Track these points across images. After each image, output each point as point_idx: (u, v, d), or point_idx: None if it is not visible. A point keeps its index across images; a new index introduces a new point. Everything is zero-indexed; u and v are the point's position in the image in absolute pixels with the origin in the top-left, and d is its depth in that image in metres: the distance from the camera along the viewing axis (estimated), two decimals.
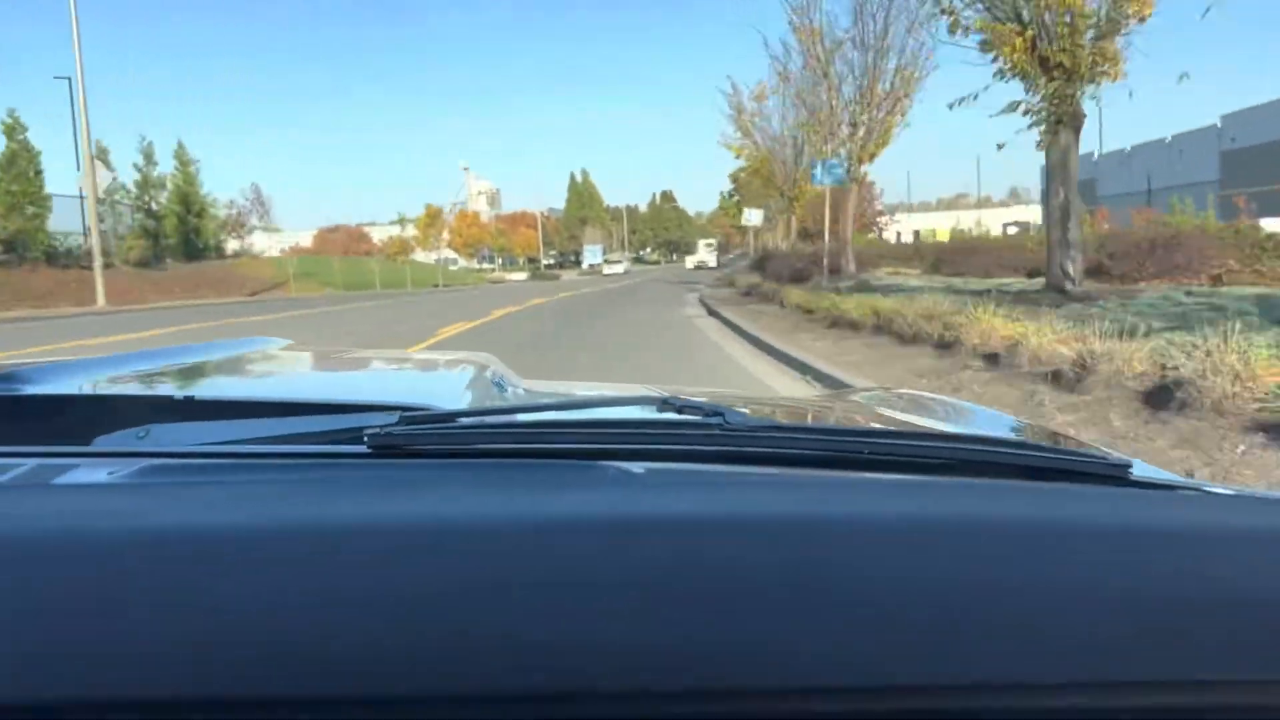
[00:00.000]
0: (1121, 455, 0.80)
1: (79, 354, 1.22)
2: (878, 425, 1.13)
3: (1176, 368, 4.59)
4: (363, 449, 0.71)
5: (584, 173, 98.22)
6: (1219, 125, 41.22)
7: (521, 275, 66.40)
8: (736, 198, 70.33)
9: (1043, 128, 11.02)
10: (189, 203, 39.45)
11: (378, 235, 76.43)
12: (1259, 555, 0.54)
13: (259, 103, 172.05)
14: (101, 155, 32.28)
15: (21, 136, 29.90)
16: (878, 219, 73.21)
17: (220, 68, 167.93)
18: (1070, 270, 11.19)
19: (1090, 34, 10.53)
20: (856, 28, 18.69)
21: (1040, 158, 11.90)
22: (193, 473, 0.71)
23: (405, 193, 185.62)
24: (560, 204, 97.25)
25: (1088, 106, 11.08)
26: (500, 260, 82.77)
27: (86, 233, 28.77)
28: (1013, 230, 44.49)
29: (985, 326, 6.94)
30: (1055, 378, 5.38)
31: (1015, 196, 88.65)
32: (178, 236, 38.85)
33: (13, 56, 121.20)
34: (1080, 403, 4.84)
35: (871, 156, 19.18)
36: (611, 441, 0.72)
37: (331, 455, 0.75)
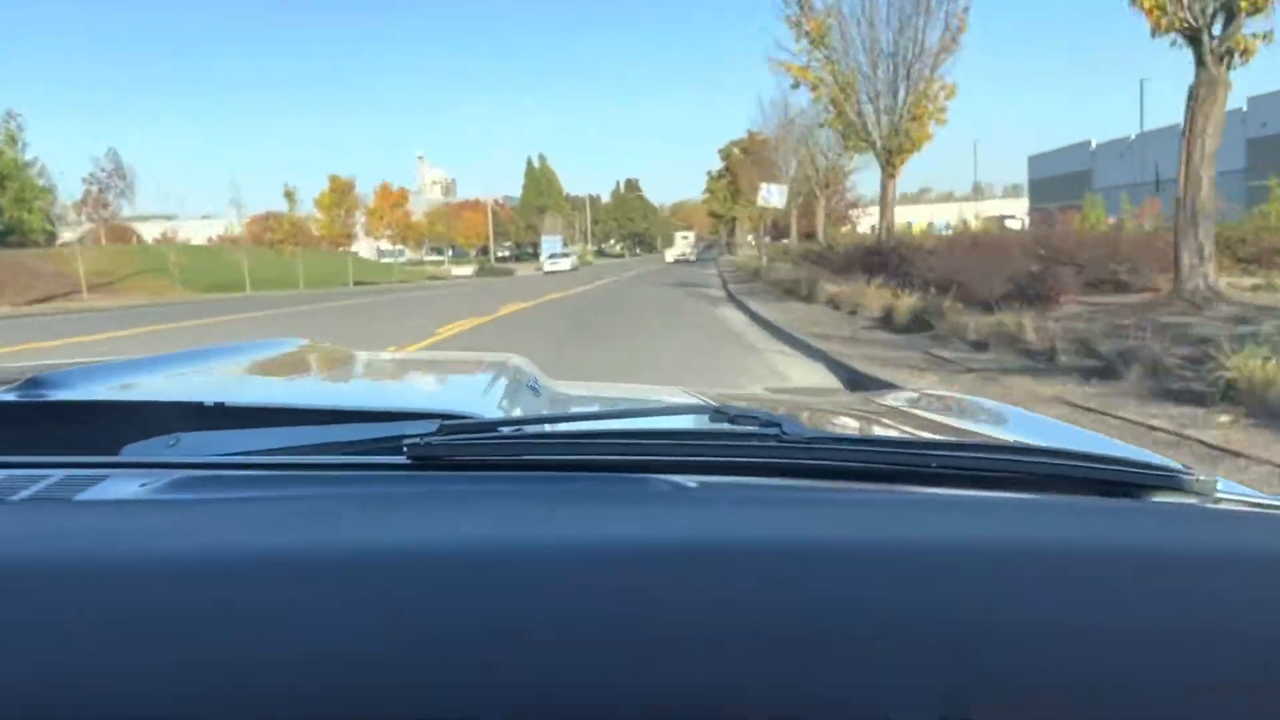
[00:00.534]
0: (1203, 470, 0.74)
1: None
2: (937, 435, 1.08)
3: None
4: (401, 459, 0.70)
5: (542, 158, 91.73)
6: (1245, 110, 36.18)
7: (467, 270, 55.68)
8: (727, 178, 63.34)
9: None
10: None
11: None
12: None
13: (198, 94, 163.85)
14: None
15: None
16: (850, 211, 72.02)
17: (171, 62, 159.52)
18: (1208, 278, 9.10)
19: None
20: None
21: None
22: (223, 486, 0.69)
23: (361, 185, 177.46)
24: (519, 192, 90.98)
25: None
26: (451, 252, 76.79)
27: None
28: (1014, 224, 39.74)
29: None
30: None
31: (979, 192, 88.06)
32: None
33: None
34: None
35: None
36: (663, 454, 0.69)
37: (368, 466, 0.73)
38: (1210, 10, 8.59)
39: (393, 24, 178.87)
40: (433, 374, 1.60)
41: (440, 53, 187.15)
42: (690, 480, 0.66)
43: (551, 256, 56.78)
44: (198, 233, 64.94)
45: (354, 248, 75.51)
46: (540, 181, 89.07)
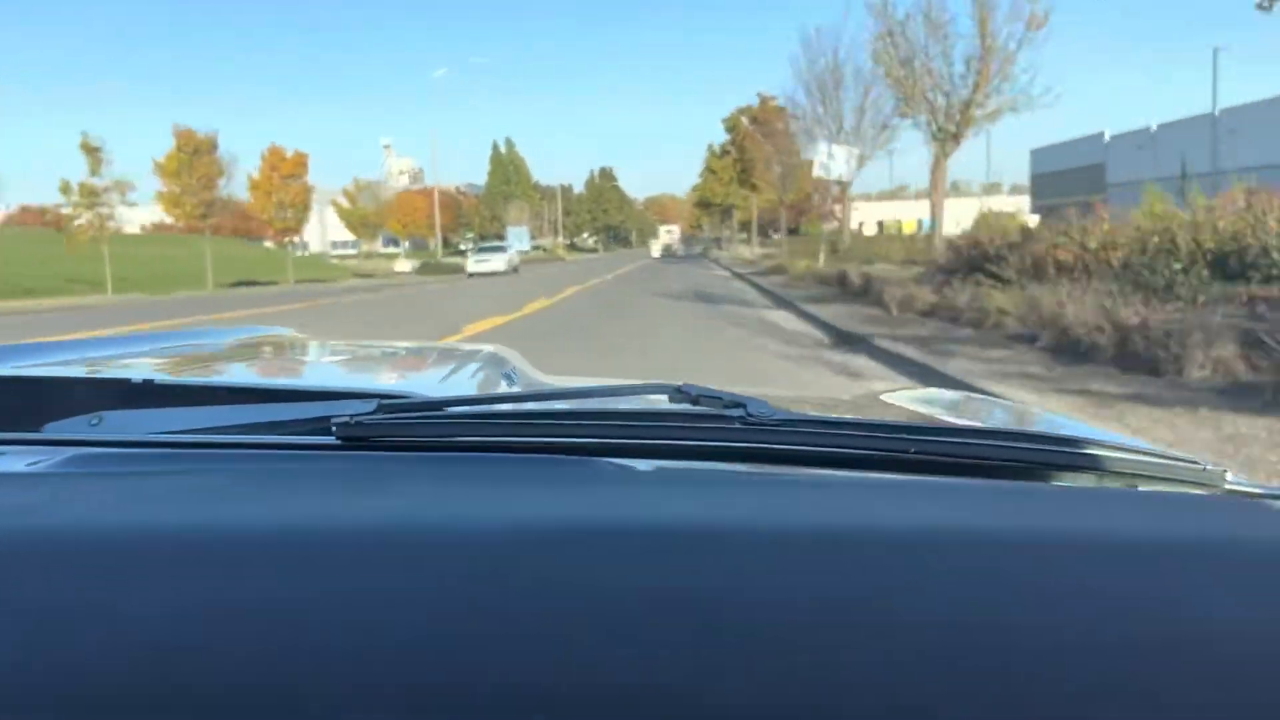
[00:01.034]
0: (1211, 460, 0.71)
1: None
2: (921, 422, 1.00)
3: None
4: (330, 439, 0.66)
5: (509, 143, 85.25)
6: None
7: (407, 266, 46.63)
8: (731, 154, 52.20)
9: None
10: None
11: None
12: None
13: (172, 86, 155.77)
14: None
15: None
16: (835, 205, 68.57)
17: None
18: None
19: None
20: None
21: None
22: (138, 463, 0.65)
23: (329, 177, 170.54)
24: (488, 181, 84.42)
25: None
26: (409, 244, 70.53)
27: None
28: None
29: None
30: None
31: (956, 189, 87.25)
32: None
33: None
34: None
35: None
36: (614, 435, 0.65)
37: (295, 446, 0.69)
38: None
39: (365, 13, 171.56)
40: (394, 358, 1.44)
41: (412, 39, 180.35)
42: (642, 463, 0.62)
43: (480, 251, 39.16)
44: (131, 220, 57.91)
45: (303, 238, 69.06)
46: (507, 168, 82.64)
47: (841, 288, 14.09)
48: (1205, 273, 8.28)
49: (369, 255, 57.53)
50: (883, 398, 1.32)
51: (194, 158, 32.32)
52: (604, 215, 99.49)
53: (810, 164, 29.41)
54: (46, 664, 0.36)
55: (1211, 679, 0.38)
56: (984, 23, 15.53)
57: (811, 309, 11.80)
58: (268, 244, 60.80)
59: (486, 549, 0.44)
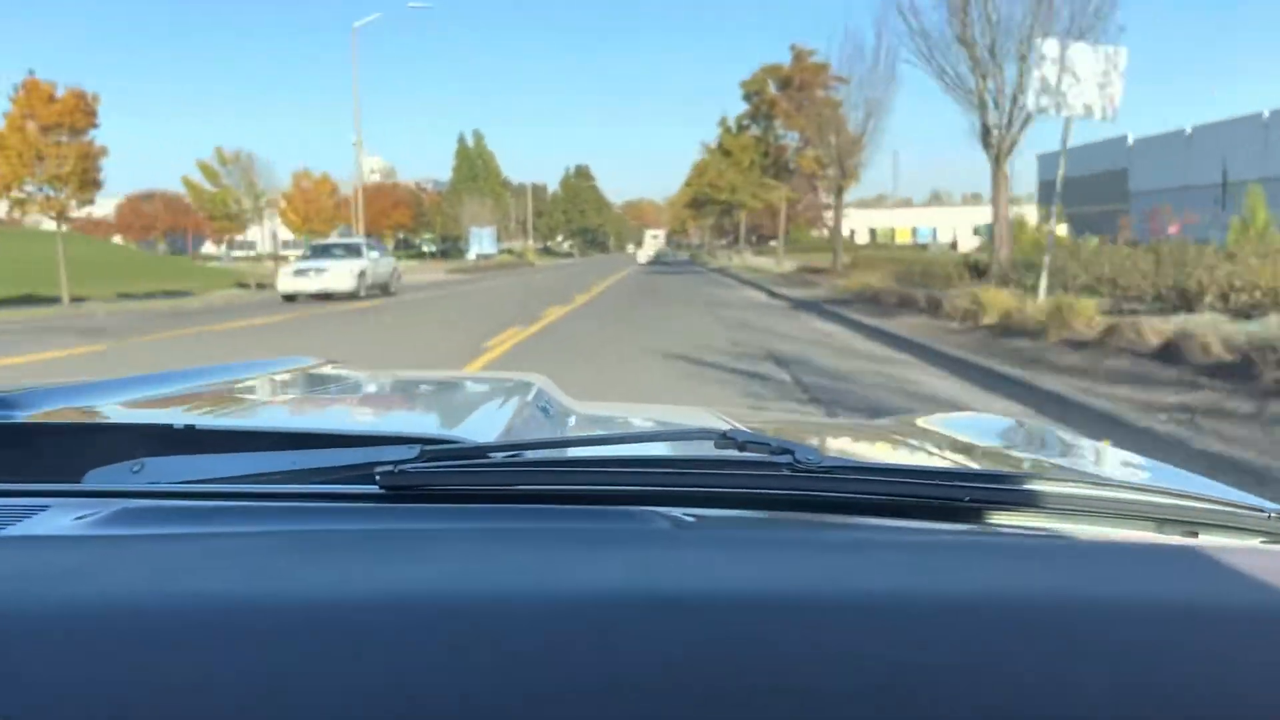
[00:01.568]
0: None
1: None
2: (970, 460, 1.01)
3: None
4: (374, 489, 0.66)
5: (478, 135, 79.31)
6: None
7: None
8: (757, 129, 38.83)
9: None
10: None
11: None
12: None
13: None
14: None
15: None
16: (824, 213, 64.76)
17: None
18: None
19: None
20: None
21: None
22: (182, 519, 0.64)
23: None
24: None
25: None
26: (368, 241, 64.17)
27: None
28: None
29: None
30: None
31: (936, 199, 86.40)
32: None
33: None
34: None
35: None
36: (661, 484, 0.66)
37: (338, 497, 0.69)
38: None
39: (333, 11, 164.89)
40: (433, 394, 1.48)
41: (388, 37, 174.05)
42: (690, 513, 0.61)
43: (308, 259, 21.02)
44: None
45: (249, 235, 62.35)
46: (475, 163, 76.43)
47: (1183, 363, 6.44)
48: None
49: (274, 256, 45.18)
50: (919, 423, 1.30)
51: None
52: (580, 217, 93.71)
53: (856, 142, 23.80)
54: None
55: None
56: None
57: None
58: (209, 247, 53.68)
59: (535, 617, 0.43)
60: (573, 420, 1.13)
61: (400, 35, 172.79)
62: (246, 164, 34.72)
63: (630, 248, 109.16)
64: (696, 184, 49.83)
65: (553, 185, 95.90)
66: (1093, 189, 44.92)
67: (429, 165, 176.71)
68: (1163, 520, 0.63)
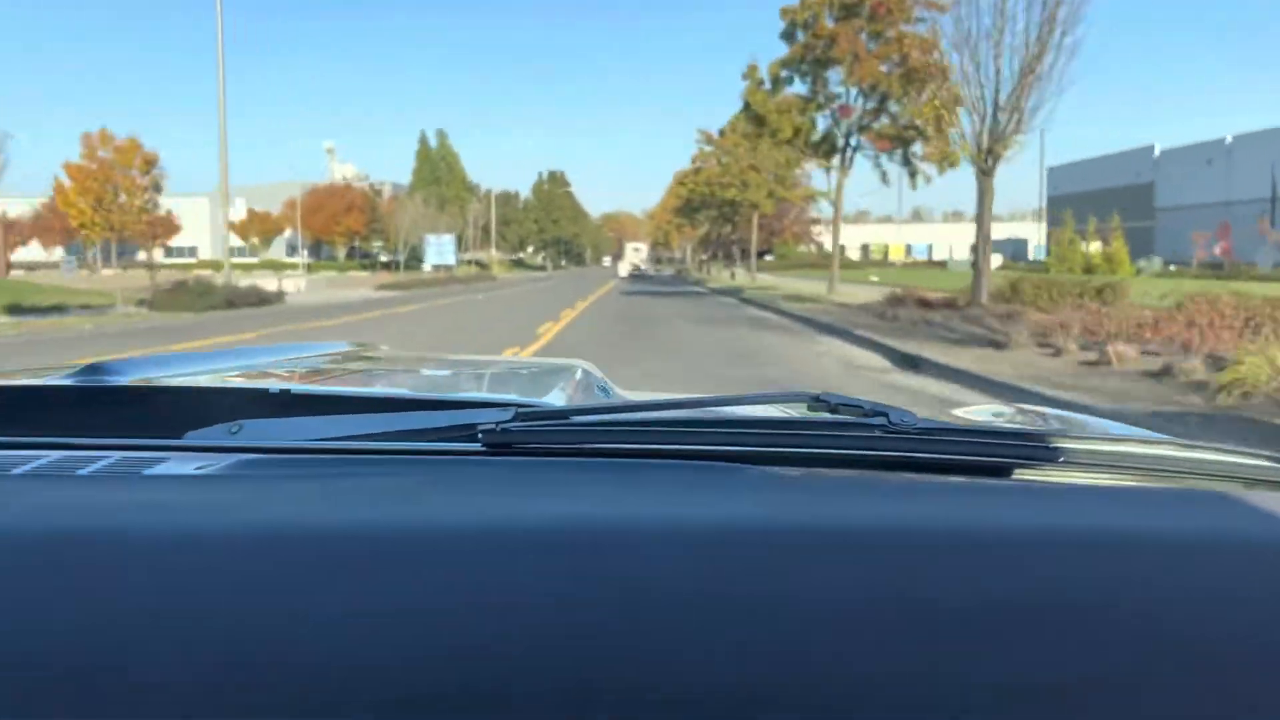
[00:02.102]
0: None
1: None
2: (1063, 429, 0.99)
3: None
4: (476, 446, 0.68)
5: (441, 135, 73.47)
6: None
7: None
8: (805, 65, 23.59)
9: None
10: None
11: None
12: None
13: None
14: None
15: None
16: (812, 227, 59.97)
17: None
18: None
19: None
20: None
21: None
22: (288, 468, 0.67)
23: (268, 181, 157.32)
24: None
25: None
26: (305, 253, 58.29)
27: None
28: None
29: None
30: None
31: (917, 216, 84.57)
32: None
33: None
34: None
35: None
36: (754, 443, 0.66)
37: (442, 452, 0.70)
38: None
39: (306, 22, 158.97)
40: (504, 371, 1.55)
41: (361, 43, 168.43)
42: (787, 471, 0.63)
43: None
44: None
45: (189, 241, 56.46)
46: (438, 165, 70.42)
47: None
48: None
49: (149, 265, 34.70)
50: (956, 413, 1.31)
51: None
52: (554, 226, 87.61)
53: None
54: (252, 661, 0.38)
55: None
56: None
57: None
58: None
59: (643, 548, 0.45)
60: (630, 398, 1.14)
61: (368, 42, 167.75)
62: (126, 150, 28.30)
63: (608, 260, 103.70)
64: (692, 182, 41.01)
65: (526, 193, 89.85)
66: (1112, 204, 40.11)
67: (402, 172, 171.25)
68: (1229, 477, 0.66)
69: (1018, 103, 13.05)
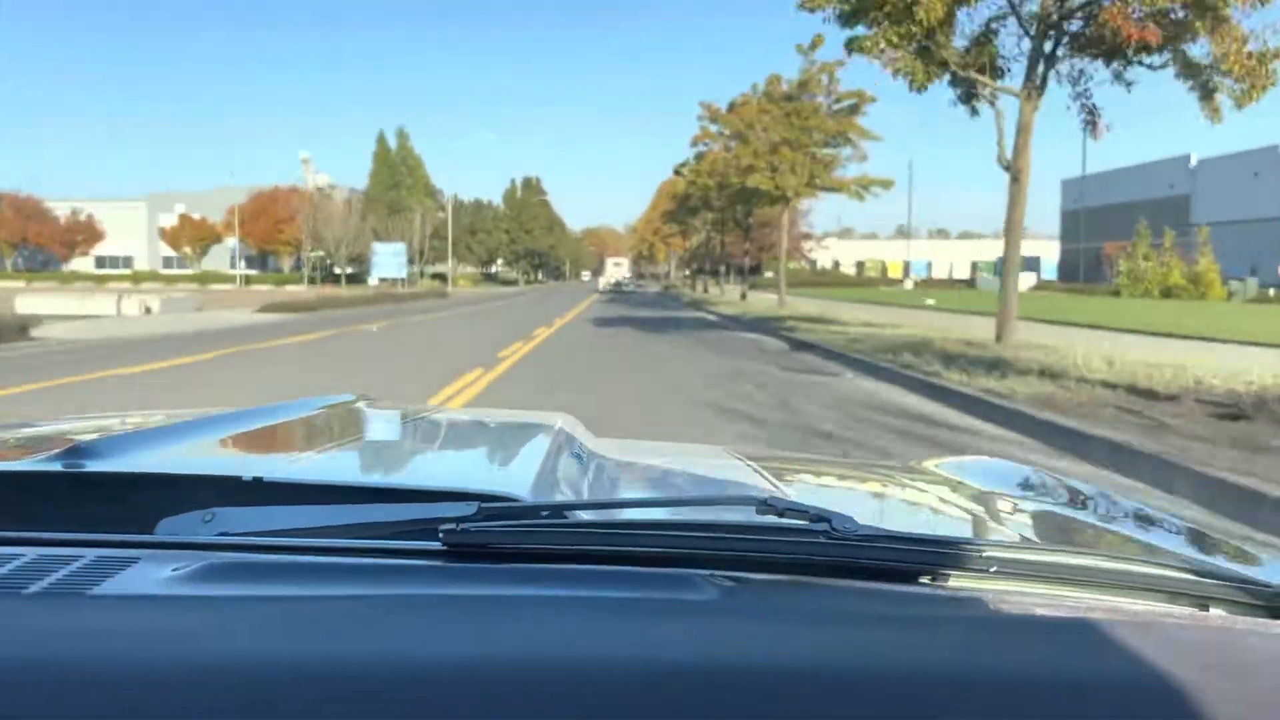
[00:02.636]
0: None
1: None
2: (985, 515, 1.08)
3: None
4: (437, 545, 0.72)
5: (401, 135, 67.79)
6: None
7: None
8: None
9: None
10: None
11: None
12: None
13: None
14: None
15: None
16: (803, 242, 54.86)
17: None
18: None
19: None
20: None
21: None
22: (254, 575, 0.70)
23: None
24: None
25: None
26: (244, 263, 52.63)
27: None
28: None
29: None
30: None
31: (900, 233, 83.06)
32: None
33: None
34: None
35: None
36: (706, 547, 0.71)
37: (404, 553, 0.74)
38: None
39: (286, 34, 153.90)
40: (474, 440, 1.60)
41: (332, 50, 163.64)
42: (732, 576, 0.67)
43: None
44: None
45: (120, 250, 50.87)
46: (397, 167, 64.65)
47: None
48: None
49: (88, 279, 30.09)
50: (929, 465, 1.37)
51: None
52: (527, 237, 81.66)
53: None
54: None
55: None
56: None
57: None
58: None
59: (609, 685, 0.47)
60: (604, 464, 1.22)
61: (347, 56, 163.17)
62: None
63: (587, 275, 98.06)
64: (693, 172, 33.43)
65: (495, 194, 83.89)
66: (1138, 218, 34.95)
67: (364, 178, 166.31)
68: (1173, 594, 0.68)
69: None
